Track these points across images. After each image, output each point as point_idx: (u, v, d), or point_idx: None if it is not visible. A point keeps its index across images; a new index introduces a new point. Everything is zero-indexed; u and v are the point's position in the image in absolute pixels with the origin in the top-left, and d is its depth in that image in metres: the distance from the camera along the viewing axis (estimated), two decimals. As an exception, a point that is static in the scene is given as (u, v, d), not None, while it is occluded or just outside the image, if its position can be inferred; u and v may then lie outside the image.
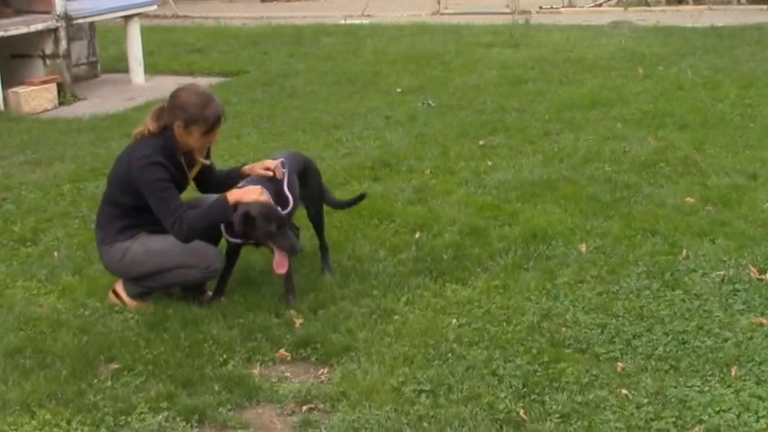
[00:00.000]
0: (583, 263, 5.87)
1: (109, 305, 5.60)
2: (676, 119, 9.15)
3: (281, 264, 5.39)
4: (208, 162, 5.75)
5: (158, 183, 5.33)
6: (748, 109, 9.42)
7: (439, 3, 18.23)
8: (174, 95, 5.46)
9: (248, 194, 5.38)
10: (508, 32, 14.86)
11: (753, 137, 8.43)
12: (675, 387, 4.45)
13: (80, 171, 8.35)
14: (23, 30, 11.57)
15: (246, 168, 5.77)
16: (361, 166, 8.09)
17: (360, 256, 6.10)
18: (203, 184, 5.84)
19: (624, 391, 4.41)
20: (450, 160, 8.19)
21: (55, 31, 11.85)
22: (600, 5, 17.75)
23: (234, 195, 5.37)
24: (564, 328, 5.05)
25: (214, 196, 5.61)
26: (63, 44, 11.94)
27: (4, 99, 11.19)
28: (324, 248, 6.04)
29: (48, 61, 11.97)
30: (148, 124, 5.45)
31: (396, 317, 5.30)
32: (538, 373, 4.61)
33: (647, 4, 17.44)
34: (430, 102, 10.50)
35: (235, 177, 5.72)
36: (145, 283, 5.56)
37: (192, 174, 5.69)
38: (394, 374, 4.65)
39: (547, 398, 4.39)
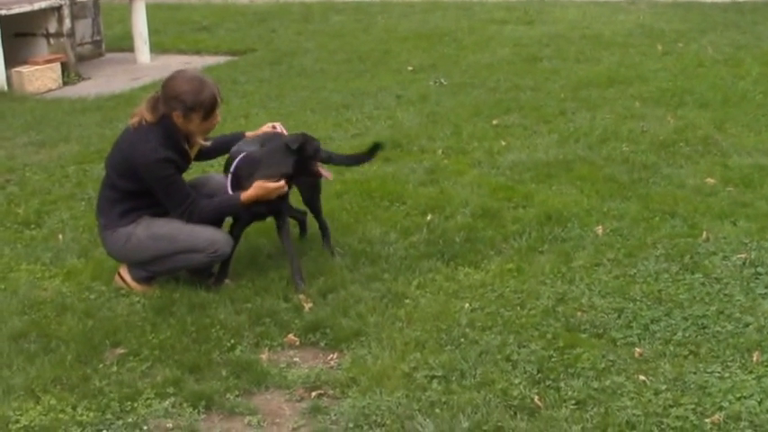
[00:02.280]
0: (599, 245, 5.85)
1: (115, 288, 5.60)
2: (696, 97, 9.12)
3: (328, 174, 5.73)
4: (208, 144, 5.77)
5: (167, 178, 5.39)
6: (770, 87, 9.38)
7: (451, -22, 18.15)
8: (167, 86, 5.44)
9: (260, 191, 5.43)
10: (522, 8, 14.83)
11: (775, 115, 8.40)
12: (695, 373, 4.42)
13: (85, 152, 8.36)
14: (27, 8, 11.57)
15: (250, 134, 5.85)
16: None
17: (370, 238, 6.09)
18: (200, 156, 5.87)
19: (642, 377, 4.38)
20: (463, 140, 8.17)
21: (59, 9, 11.86)
22: (617, -19, 17.65)
23: (247, 195, 5.43)
24: (580, 313, 5.03)
25: (216, 177, 5.82)
26: (67, 23, 11.95)
27: (8, 79, 11.20)
28: (323, 228, 6.04)
29: (51, 40, 11.97)
30: (145, 114, 5.43)
31: (407, 301, 5.29)
32: (553, 359, 4.59)
33: (666, -20, 17.34)
34: (442, 80, 10.47)
35: (234, 143, 5.79)
36: (150, 268, 5.56)
37: (193, 153, 5.70)
38: (405, 360, 4.64)
39: (562, 384, 4.37)
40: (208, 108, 5.40)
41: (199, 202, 5.48)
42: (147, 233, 5.50)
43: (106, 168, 5.66)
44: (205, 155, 5.93)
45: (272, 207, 5.61)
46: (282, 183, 5.46)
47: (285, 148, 5.50)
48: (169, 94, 5.40)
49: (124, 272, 5.63)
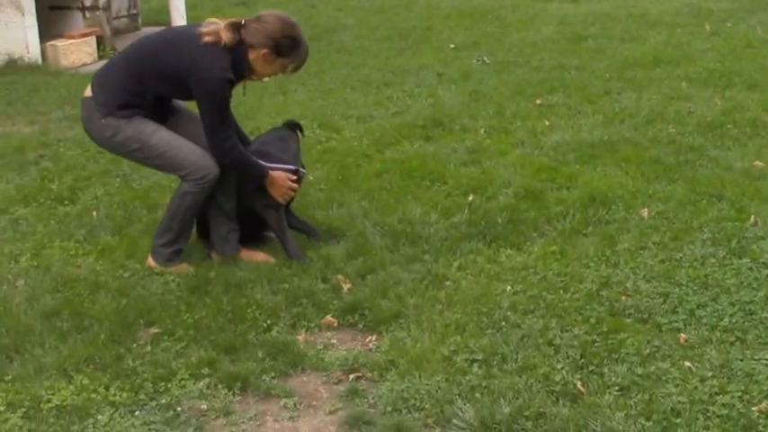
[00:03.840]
0: (644, 228, 5.79)
1: (148, 267, 5.61)
2: (745, 78, 9.02)
3: None
4: (266, 80, 5.73)
5: (223, 101, 5.35)
6: (822, 67, 9.26)
7: (494, -46, 18.05)
8: (266, 22, 5.35)
9: (278, 183, 5.53)
10: (568, -14, 14.71)
11: (827, 97, 8.29)
12: (742, 360, 4.37)
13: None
14: (62, -20, 11.62)
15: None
16: (413, 125, 8.06)
17: (410, 219, 6.06)
18: None
19: (687, 364, 4.33)
20: (506, 120, 8.13)
21: (95, -19, 11.89)
22: (665, -42, 17.48)
23: (273, 174, 5.50)
24: (624, 297, 4.98)
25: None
26: (103, -5, 11.99)
27: (43, 53, 11.25)
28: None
29: (87, 13, 12.03)
30: (223, 35, 5.29)
31: (447, 283, 5.26)
32: (596, 344, 4.55)
33: (716, -43, 17.15)
34: (485, 58, 10.43)
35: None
36: (169, 227, 5.54)
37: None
38: (445, 343, 4.62)
39: (606, 369, 4.33)
40: (301, 61, 5.45)
41: (238, 143, 5.48)
42: (135, 132, 5.40)
43: (142, 55, 5.51)
44: None
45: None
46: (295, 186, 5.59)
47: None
48: (266, 31, 5.31)
49: (151, 261, 5.62)
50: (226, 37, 5.27)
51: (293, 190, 5.61)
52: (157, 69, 5.37)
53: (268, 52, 5.31)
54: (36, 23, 11.18)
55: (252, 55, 5.33)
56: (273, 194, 5.56)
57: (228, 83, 5.29)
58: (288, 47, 5.34)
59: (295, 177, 5.62)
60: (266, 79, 5.67)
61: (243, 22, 5.38)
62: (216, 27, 5.34)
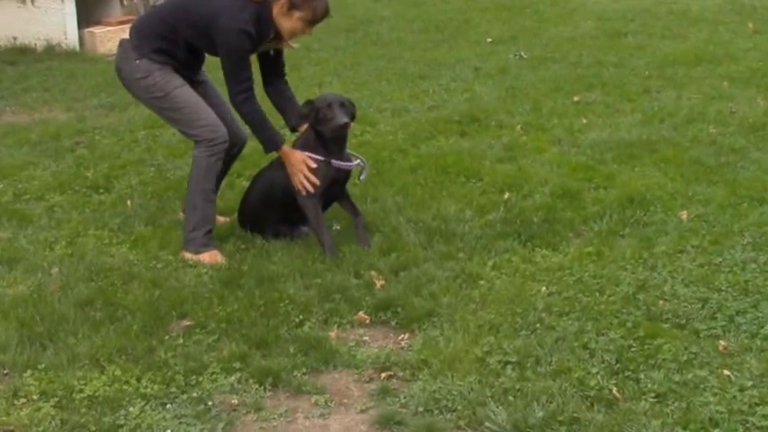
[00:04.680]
0: (683, 231, 5.73)
1: (182, 258, 5.62)
2: (789, 77, 8.93)
3: None
4: (296, 46, 5.82)
5: (241, 52, 5.47)
6: None
7: (534, -52, 17.97)
8: None
9: (291, 162, 5.58)
10: (607, -19, 14.61)
11: None
12: (783, 369, 4.32)
13: (155, 117, 8.26)
14: (101, -33, 11.67)
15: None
16: (448, 119, 8.03)
17: (445, 215, 6.03)
18: (269, 71, 5.89)
19: (726, 372, 4.27)
20: (543, 116, 8.08)
21: (133, -32, 11.93)
22: (707, -46, 17.33)
23: (287, 151, 5.60)
24: (661, 302, 4.93)
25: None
26: (141, -18, 12.02)
27: (80, 39, 11.30)
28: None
29: (125, 1, 12.05)
30: None
31: (482, 282, 5.23)
32: (632, 349, 4.49)
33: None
34: (522, 53, 10.38)
35: (291, 113, 5.85)
36: (192, 205, 5.63)
37: (264, 48, 5.71)
38: (478, 343, 4.58)
39: (642, 375, 4.28)
40: (316, 14, 5.49)
41: (255, 98, 5.60)
42: (164, 81, 5.61)
43: (175, 7, 5.67)
44: (268, 71, 5.90)
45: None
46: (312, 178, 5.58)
47: None
48: None
49: (185, 253, 5.65)
50: None
51: (313, 180, 5.58)
52: (188, 17, 5.57)
53: (285, 3, 5.40)
54: (75, 10, 11.24)
55: (275, 10, 5.44)
56: (290, 176, 5.58)
57: (247, 36, 5.40)
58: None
59: (314, 165, 5.58)
60: (294, 45, 5.76)
61: None
62: None
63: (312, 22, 5.51)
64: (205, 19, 5.48)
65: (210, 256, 5.58)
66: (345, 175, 5.77)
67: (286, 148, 5.64)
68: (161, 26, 5.65)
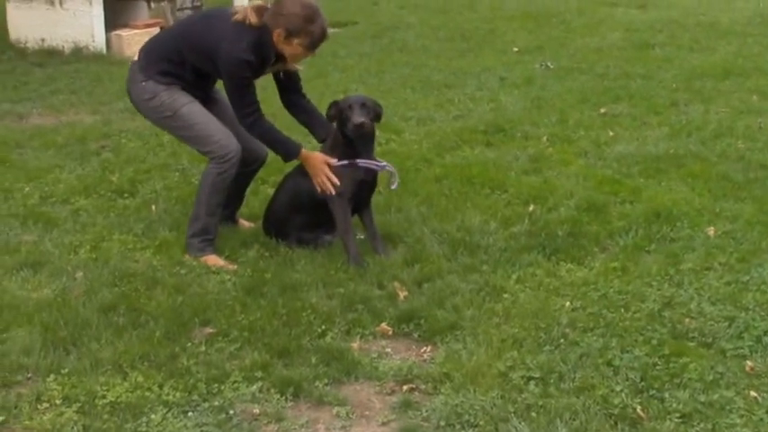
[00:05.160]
0: (710, 248, 5.70)
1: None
2: (820, 92, 8.88)
3: None
4: (300, 68, 5.83)
5: (243, 79, 5.50)
6: None
7: (562, -43, 17.94)
8: (280, 2, 5.50)
9: (311, 164, 5.62)
10: (636, -9, 14.58)
11: None
12: (811, 391, 4.29)
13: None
14: (129, -30, 11.71)
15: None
16: (474, 129, 8.03)
17: (469, 227, 6.02)
18: (285, 89, 5.92)
19: (753, 393, 4.24)
20: (569, 128, 8.07)
21: (161, -28, 11.97)
22: (736, -34, 17.26)
23: (306, 155, 5.64)
24: (687, 319, 4.90)
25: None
26: (169, -14, 12.06)
27: (107, 42, 11.35)
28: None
29: (152, 4, 12.11)
30: (249, 15, 5.50)
31: (505, 295, 5.21)
32: (657, 367, 4.47)
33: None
34: (548, 64, 10.36)
35: (315, 126, 5.87)
36: (196, 214, 5.70)
37: (272, 69, 5.74)
38: (501, 358, 4.57)
39: (667, 395, 4.25)
40: (314, 39, 5.50)
41: (264, 117, 5.63)
42: (170, 100, 5.65)
43: (182, 30, 5.83)
44: (287, 94, 5.93)
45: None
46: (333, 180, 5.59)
47: None
48: (279, 11, 5.47)
49: (187, 254, 5.73)
50: (251, 17, 5.48)
51: (334, 180, 5.59)
52: (193, 42, 5.62)
53: (282, 32, 5.44)
54: (102, 13, 11.29)
55: (274, 37, 5.47)
56: (312, 177, 5.61)
57: (247, 63, 5.45)
58: (299, 26, 5.43)
59: (335, 163, 5.61)
60: (299, 67, 5.80)
61: (267, 5, 5.55)
62: (246, 8, 5.55)
63: (311, 47, 5.53)
64: (207, 45, 5.54)
65: (208, 260, 5.65)
66: (373, 177, 5.76)
67: (304, 152, 5.67)
68: (166, 49, 5.71)
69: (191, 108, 5.66)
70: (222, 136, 5.62)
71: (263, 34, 5.47)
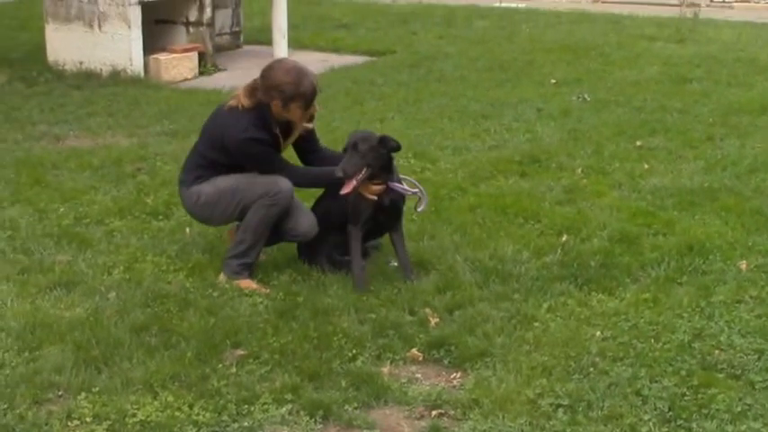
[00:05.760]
0: (742, 281, 5.72)
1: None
2: None
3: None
4: (311, 126, 5.95)
5: (258, 155, 5.73)
6: None
7: (601, -11, 18.01)
8: (266, 76, 5.71)
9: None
10: (674, 26, 14.61)
11: None
12: (839, 425, 4.30)
13: (217, 146, 8.49)
14: (169, -5, 11.82)
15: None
16: (509, 160, 8.06)
17: (502, 255, 6.06)
18: (304, 151, 6.08)
19: (781, 426, 4.28)
20: (604, 160, 8.09)
21: (200, -3, 12.07)
22: (777, 1, 17.28)
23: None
24: (717, 351, 4.92)
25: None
26: (207, 12, 12.15)
27: (145, 65, 11.43)
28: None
29: (191, 29, 12.17)
30: (242, 99, 5.73)
31: (536, 324, 5.25)
32: (686, 397, 4.50)
33: (831, 3, 16.89)
34: (585, 96, 10.38)
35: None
36: (241, 239, 5.77)
37: (291, 139, 5.93)
38: (531, 385, 4.61)
39: (694, 425, 4.29)
40: (308, 99, 5.66)
41: (296, 167, 5.92)
42: (213, 188, 5.80)
43: (200, 135, 5.97)
44: (308, 154, 6.08)
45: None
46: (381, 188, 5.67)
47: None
48: (269, 84, 5.66)
49: (222, 276, 5.80)
50: (244, 101, 5.71)
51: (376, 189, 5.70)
52: (208, 142, 5.89)
53: (278, 102, 5.65)
54: (141, 36, 11.37)
55: (273, 109, 5.69)
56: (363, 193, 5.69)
57: (254, 141, 5.68)
58: (291, 92, 5.62)
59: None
60: (309, 125, 5.95)
61: (257, 84, 5.74)
62: (237, 93, 5.79)
63: (307, 106, 5.70)
64: (217, 140, 5.80)
65: (242, 284, 5.72)
66: (391, 202, 5.79)
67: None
68: (195, 156, 5.95)
69: (227, 178, 5.79)
70: (265, 180, 5.73)
71: (260, 110, 5.69)
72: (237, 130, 5.67)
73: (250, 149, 5.69)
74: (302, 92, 5.62)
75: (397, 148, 5.73)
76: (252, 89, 5.74)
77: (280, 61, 5.96)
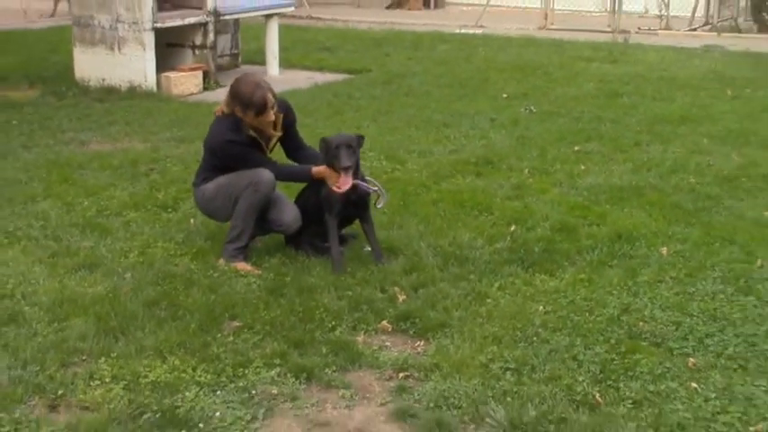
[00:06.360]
0: (663, 264, 5.74)
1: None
2: (760, 138, 8.89)
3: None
4: (279, 134, 5.94)
5: (237, 155, 5.74)
6: (829, 134, 9.08)
7: (546, 18, 18.02)
8: (231, 86, 5.78)
9: (325, 172, 5.70)
10: (608, 49, 14.63)
11: (831, 160, 8.14)
12: (742, 385, 4.31)
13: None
14: (179, 22, 11.79)
15: (315, 169, 5.83)
16: (466, 162, 8.05)
17: (460, 242, 6.06)
18: (289, 149, 6.12)
19: (694, 385, 4.29)
20: (547, 162, 8.09)
21: (204, 24, 12.04)
22: (694, 30, 17.32)
23: (317, 170, 5.74)
24: (641, 323, 4.94)
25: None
26: (211, 36, 12.11)
27: (158, 82, 11.41)
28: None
29: (196, 51, 12.15)
30: (223, 107, 5.80)
31: (488, 300, 5.25)
32: (614, 362, 4.51)
33: (740, 31, 16.93)
34: (532, 108, 10.38)
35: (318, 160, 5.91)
36: (233, 225, 5.77)
37: (272, 145, 5.94)
38: (483, 352, 4.61)
39: (621, 385, 4.30)
40: (258, 108, 5.65)
41: (276, 162, 5.88)
42: (214, 185, 5.84)
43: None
44: (295, 154, 6.11)
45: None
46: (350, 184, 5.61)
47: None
48: (231, 94, 5.74)
49: (221, 260, 5.77)
50: (224, 108, 5.80)
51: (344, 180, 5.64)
52: (205, 148, 5.92)
53: (239, 108, 5.68)
54: (154, 57, 11.35)
55: (239, 115, 5.71)
56: (328, 180, 5.67)
57: (231, 143, 5.73)
58: (245, 101, 5.65)
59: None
60: (277, 132, 5.92)
61: None
62: (221, 102, 5.87)
63: (259, 113, 5.67)
64: (207, 146, 5.87)
65: (238, 266, 5.69)
66: (358, 196, 5.74)
67: (314, 168, 5.77)
68: (201, 161, 6.01)
69: (226, 177, 5.80)
70: (252, 172, 5.72)
71: (235, 116, 5.71)
72: (218, 135, 5.75)
73: (230, 150, 5.71)
74: (254, 102, 5.62)
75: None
76: (228, 98, 5.78)
77: (245, 75, 5.93)
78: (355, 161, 5.64)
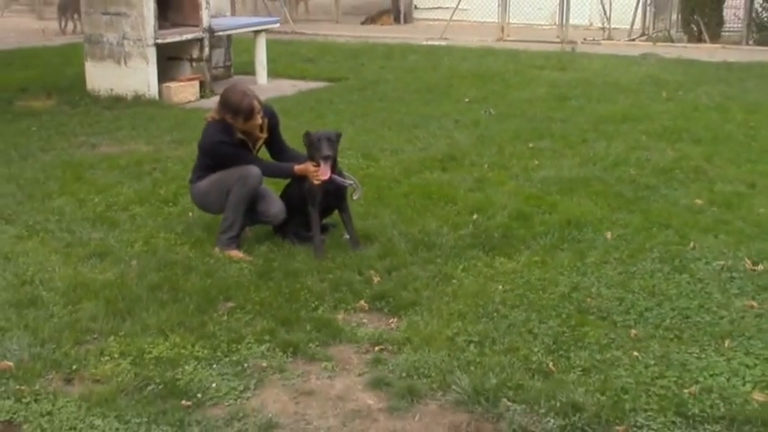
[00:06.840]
0: (608, 247, 5.73)
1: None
2: (691, 135, 8.89)
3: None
4: (264, 136, 5.86)
5: (227, 154, 5.67)
6: (751, 130, 9.08)
7: (502, 31, 17.97)
8: (221, 94, 5.71)
9: (307, 169, 5.64)
10: (557, 58, 14.59)
11: (754, 153, 8.15)
12: (678, 353, 4.31)
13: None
14: (177, 38, 11.67)
15: (297, 167, 5.77)
16: (433, 158, 8.01)
17: (428, 230, 6.02)
18: (274, 151, 6.01)
19: (635, 353, 4.29)
20: (505, 158, 8.06)
21: (201, 40, 11.92)
22: (633, 40, 17.32)
23: (298, 167, 5.68)
24: (589, 299, 4.93)
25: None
26: (206, 51, 12.00)
27: (160, 91, 11.32)
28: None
29: (193, 63, 12.04)
30: (213, 114, 5.72)
31: (454, 281, 5.23)
32: (566, 334, 4.50)
33: (672, 41, 16.96)
34: (491, 110, 10.34)
35: (300, 159, 5.85)
36: (225, 216, 5.68)
37: (258, 146, 5.86)
38: (449, 327, 4.59)
39: (572, 354, 4.29)
40: (245, 114, 5.58)
41: (261, 159, 5.80)
42: (207, 181, 5.76)
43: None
44: (279, 156, 5.99)
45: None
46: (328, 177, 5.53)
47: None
48: (221, 101, 5.67)
49: (216, 249, 5.68)
50: (215, 114, 5.72)
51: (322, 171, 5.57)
52: (199, 149, 5.85)
53: (229, 115, 5.61)
54: (156, 70, 11.26)
55: (229, 121, 5.63)
56: (310, 175, 5.60)
57: (220, 144, 5.65)
58: (234, 108, 5.58)
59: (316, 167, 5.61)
60: (263, 135, 5.85)
61: None
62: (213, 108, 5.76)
63: (246, 120, 5.61)
64: (201, 146, 5.78)
65: (231, 254, 5.62)
66: (335, 188, 5.68)
67: (296, 167, 5.71)
68: (196, 161, 5.92)
69: (218, 175, 5.72)
70: (241, 168, 5.64)
71: (225, 120, 5.63)
72: (210, 137, 5.68)
73: (220, 150, 5.65)
74: (242, 109, 5.56)
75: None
76: (218, 105, 5.71)
77: (234, 85, 5.87)
78: (334, 153, 5.58)
